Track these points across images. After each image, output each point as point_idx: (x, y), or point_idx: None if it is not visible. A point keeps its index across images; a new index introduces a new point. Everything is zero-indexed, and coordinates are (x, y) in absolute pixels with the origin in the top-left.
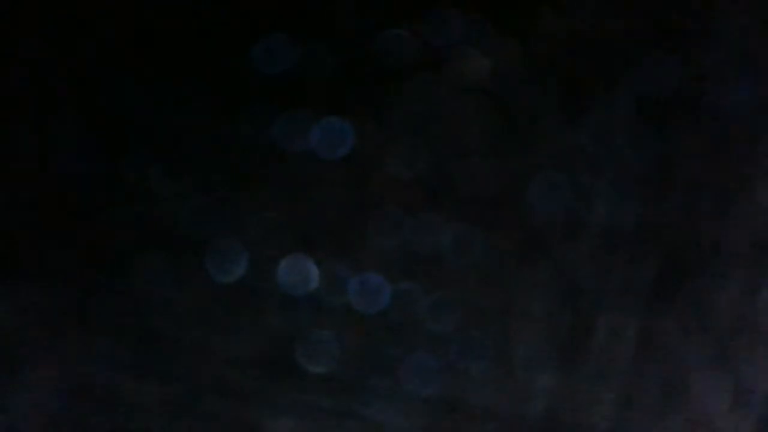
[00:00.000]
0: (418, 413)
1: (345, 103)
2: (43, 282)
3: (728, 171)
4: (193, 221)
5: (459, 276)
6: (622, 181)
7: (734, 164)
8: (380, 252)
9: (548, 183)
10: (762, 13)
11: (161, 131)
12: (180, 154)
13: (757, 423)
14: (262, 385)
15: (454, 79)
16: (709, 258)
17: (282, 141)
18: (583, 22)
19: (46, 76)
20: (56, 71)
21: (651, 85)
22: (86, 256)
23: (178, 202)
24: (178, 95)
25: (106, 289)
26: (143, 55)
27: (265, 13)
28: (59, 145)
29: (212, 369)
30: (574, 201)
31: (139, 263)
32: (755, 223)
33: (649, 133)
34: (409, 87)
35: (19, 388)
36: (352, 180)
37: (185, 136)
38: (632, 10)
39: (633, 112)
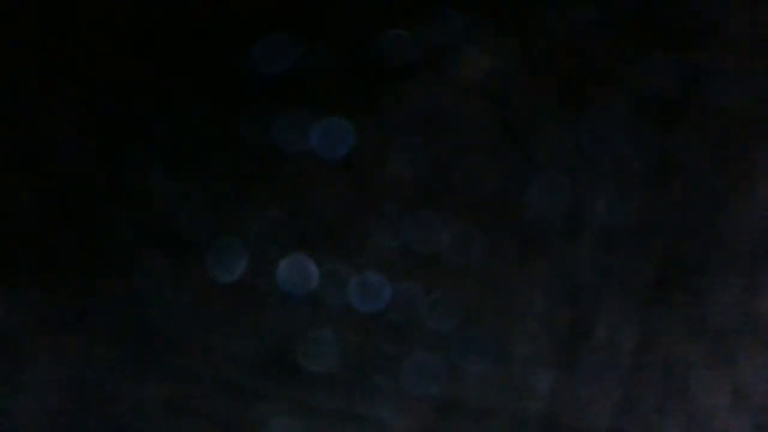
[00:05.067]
0: (418, 413)
1: (345, 103)
2: (43, 282)
3: (728, 171)
4: (193, 221)
5: (459, 276)
6: (622, 181)
7: (734, 164)
8: (380, 252)
9: (548, 183)
10: (762, 13)
11: (161, 131)
12: (180, 154)
13: (757, 423)
14: (262, 384)
15: (454, 79)
16: (709, 258)
17: (282, 141)
18: (583, 22)
19: (46, 76)
20: (56, 71)
21: (651, 85)
22: (86, 257)
23: (178, 202)
24: (178, 95)
25: (106, 289)
26: (143, 55)
27: (265, 13)
28: (59, 145)
29: (212, 369)
30: (574, 201)
31: (139, 263)
32: (755, 222)
33: (649, 133)
34: (409, 87)
35: (19, 388)
36: (352, 180)
37: (185, 136)
38: (632, 10)
39: (633, 112)
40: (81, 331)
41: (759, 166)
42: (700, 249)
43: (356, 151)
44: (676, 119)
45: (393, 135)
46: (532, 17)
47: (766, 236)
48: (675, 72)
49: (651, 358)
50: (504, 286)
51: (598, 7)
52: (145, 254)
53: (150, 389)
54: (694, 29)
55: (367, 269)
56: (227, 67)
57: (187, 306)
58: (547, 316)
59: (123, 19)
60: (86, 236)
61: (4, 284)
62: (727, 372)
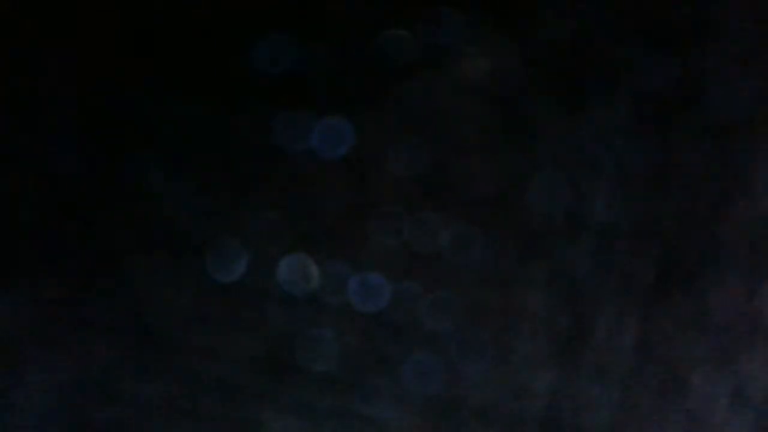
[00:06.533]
0: (418, 413)
1: (345, 103)
2: (43, 282)
3: (728, 171)
4: (193, 221)
5: (459, 276)
6: (622, 181)
7: (734, 164)
8: (380, 252)
9: (548, 183)
10: (761, 13)
11: (161, 131)
12: (180, 154)
13: (757, 422)
14: (262, 384)
15: (454, 79)
16: (709, 258)
17: (282, 141)
18: (582, 22)
19: (46, 76)
20: (56, 71)
21: (651, 85)
22: (86, 257)
23: (178, 202)
24: (178, 95)
25: (106, 289)
26: (143, 55)
27: (265, 13)
28: (59, 145)
29: (212, 369)
30: (574, 201)
31: (139, 263)
32: (755, 223)
33: (648, 132)
34: (409, 87)
35: (19, 388)
36: (352, 180)
37: (185, 137)
38: (632, 10)
39: (633, 112)
40: (81, 331)
41: (759, 166)
42: (700, 249)
43: (356, 151)
44: (676, 119)
45: (393, 135)
46: (532, 17)
47: (765, 236)
48: (675, 72)
49: (651, 358)
50: (504, 286)
51: (598, 7)
52: (145, 254)
53: (150, 389)
54: (694, 29)
55: (367, 269)
56: (227, 67)
57: (187, 306)
58: (547, 316)
59: (123, 19)
60: (86, 236)
61: (4, 284)
62: (727, 371)
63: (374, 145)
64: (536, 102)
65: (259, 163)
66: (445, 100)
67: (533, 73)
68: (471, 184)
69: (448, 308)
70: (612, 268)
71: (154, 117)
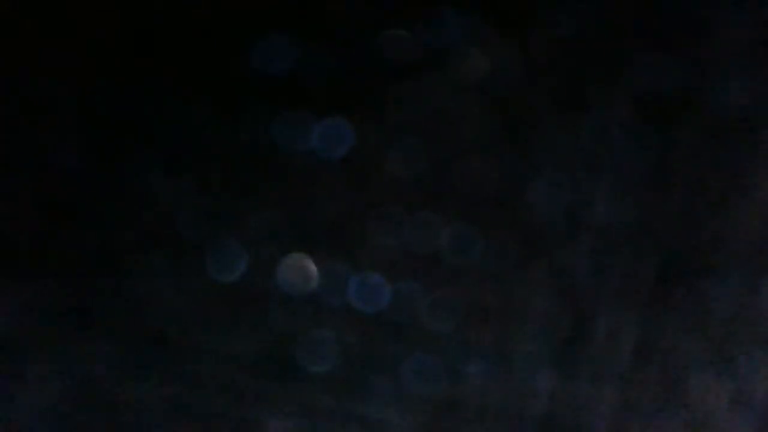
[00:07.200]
0: (418, 413)
1: (345, 103)
2: (43, 282)
3: (728, 171)
4: (193, 221)
5: (459, 276)
6: (622, 181)
7: (734, 164)
8: (380, 252)
9: (548, 183)
10: (761, 13)
11: (161, 131)
12: (180, 154)
13: (757, 422)
14: (262, 384)
15: (454, 79)
16: (709, 258)
17: (282, 141)
18: (582, 22)
19: (47, 77)
20: (56, 72)
21: (651, 84)
22: (86, 256)
23: (178, 202)
24: (177, 95)
25: (106, 289)
26: (143, 56)
27: (265, 13)
28: (59, 146)
29: (212, 369)
30: (574, 201)
31: (139, 263)
32: (755, 222)
33: (648, 133)
34: (409, 87)
35: (20, 388)
36: (352, 180)
37: (185, 137)
38: (632, 10)
39: (632, 112)
40: (81, 331)
41: (759, 166)
42: (700, 249)
43: (356, 151)
44: (676, 119)
45: (393, 135)
46: (532, 17)
47: (766, 236)
48: (675, 72)
49: (651, 358)
50: (504, 286)
51: (598, 7)
52: (145, 254)
53: (150, 389)
54: (694, 29)
55: (367, 269)
56: (227, 67)
57: (188, 306)
58: (547, 316)
59: (123, 19)
60: (86, 236)
61: (5, 284)
62: (727, 372)
63: (374, 145)
64: (536, 102)
65: (258, 163)
66: (445, 100)
67: (533, 74)
68: (471, 185)
69: (448, 308)
70: (612, 268)
71: (154, 117)
